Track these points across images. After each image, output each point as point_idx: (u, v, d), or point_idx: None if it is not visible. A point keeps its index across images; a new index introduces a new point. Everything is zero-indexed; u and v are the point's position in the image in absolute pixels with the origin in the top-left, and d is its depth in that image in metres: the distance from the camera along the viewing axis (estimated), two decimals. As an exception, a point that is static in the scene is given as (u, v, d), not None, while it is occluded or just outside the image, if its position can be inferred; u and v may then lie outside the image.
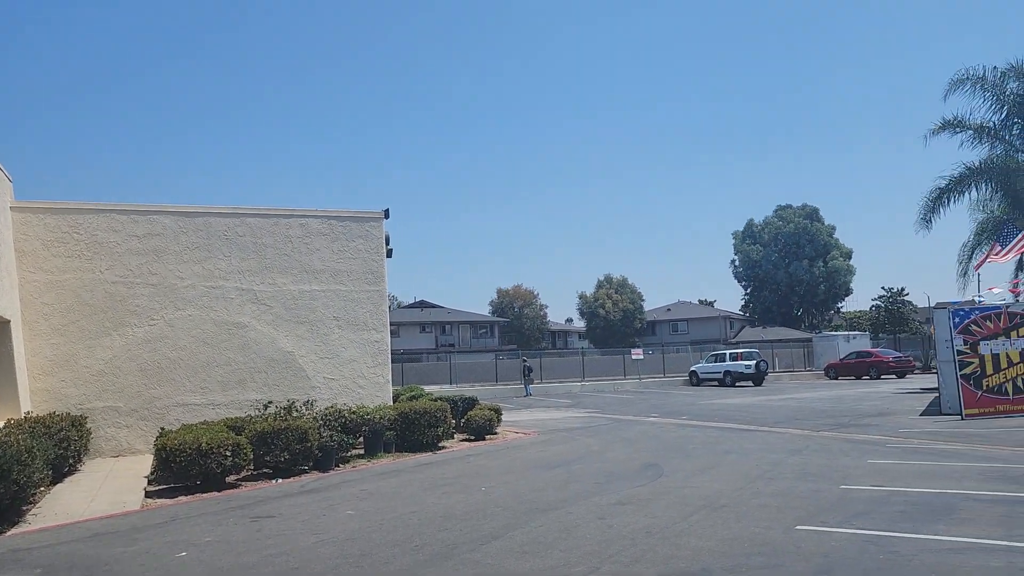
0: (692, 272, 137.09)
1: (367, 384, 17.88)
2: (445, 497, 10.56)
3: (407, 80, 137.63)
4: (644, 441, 16.78)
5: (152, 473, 12.46)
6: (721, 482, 10.98)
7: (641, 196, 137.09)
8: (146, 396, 16.14)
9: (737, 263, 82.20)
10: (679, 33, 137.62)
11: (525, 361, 41.05)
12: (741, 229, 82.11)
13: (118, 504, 10.71)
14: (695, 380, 43.43)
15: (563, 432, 19.38)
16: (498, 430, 18.70)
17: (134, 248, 16.51)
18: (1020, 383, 18.25)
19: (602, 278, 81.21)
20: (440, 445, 16.44)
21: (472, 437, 17.90)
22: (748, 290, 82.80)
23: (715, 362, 42.89)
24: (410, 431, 15.84)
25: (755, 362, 40.79)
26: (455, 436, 18.06)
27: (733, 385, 40.34)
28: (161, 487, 12.04)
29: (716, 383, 41.72)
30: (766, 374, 41.45)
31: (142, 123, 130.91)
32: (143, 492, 11.58)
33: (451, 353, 64.92)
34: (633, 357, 46.17)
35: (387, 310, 18.75)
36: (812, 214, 78.39)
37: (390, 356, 18.61)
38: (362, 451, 15.38)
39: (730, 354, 43.01)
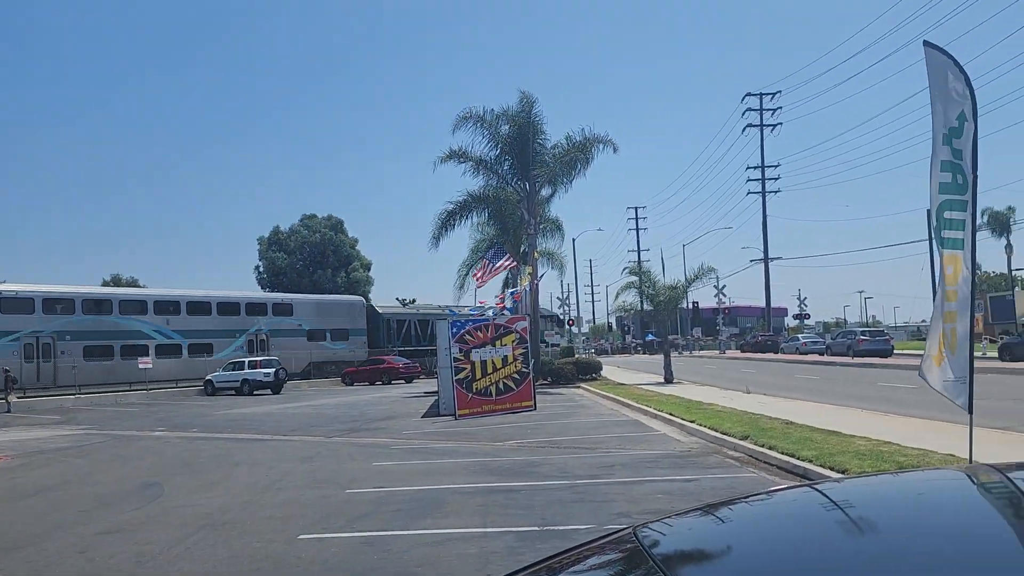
0: (216, 276, 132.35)
1: None
2: None
3: None
4: (145, 459, 15.39)
5: None
6: (228, 497, 10.49)
7: (162, 196, 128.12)
8: None
9: (262, 269, 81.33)
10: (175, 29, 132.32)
11: (7, 371, 34.84)
12: (267, 236, 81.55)
13: None
14: (211, 389, 41.56)
15: (47, 454, 16.85)
16: (-41, 456, 15.53)
17: None
18: (501, 386, 20.97)
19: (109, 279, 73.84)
20: None
21: (-80, 467, 14.56)
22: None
23: (233, 370, 41.60)
24: None
25: (274, 370, 40.60)
26: None
27: (251, 394, 39.51)
28: None
29: (234, 392, 40.47)
30: (285, 381, 41.53)
31: None
32: None
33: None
34: (140, 366, 42.33)
35: None
36: (337, 226, 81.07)
37: None
38: None
39: (249, 362, 42.11)
